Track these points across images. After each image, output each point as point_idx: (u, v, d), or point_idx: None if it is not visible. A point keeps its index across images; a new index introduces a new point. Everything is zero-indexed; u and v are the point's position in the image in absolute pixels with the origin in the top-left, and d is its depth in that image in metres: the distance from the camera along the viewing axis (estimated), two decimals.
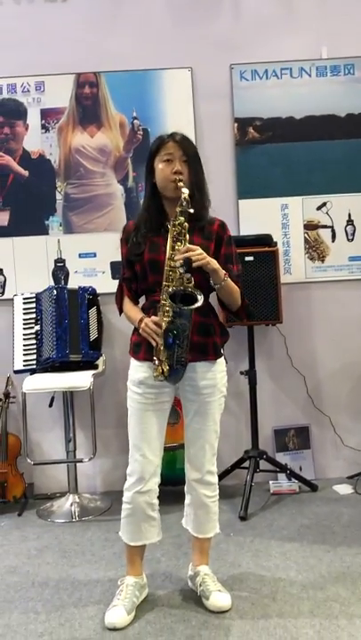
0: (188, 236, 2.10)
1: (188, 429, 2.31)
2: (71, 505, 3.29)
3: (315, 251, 3.55)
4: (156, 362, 2.10)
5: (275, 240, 3.39)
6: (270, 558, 2.62)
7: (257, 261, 3.25)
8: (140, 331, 2.15)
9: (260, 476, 3.34)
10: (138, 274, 2.25)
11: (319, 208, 3.53)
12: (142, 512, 2.25)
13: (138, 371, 2.23)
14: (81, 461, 3.36)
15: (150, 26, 3.46)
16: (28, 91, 3.49)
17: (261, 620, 2.16)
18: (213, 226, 2.25)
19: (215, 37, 3.47)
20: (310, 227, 3.54)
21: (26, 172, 3.52)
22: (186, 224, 2.09)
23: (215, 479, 2.34)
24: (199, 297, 2.05)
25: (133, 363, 2.27)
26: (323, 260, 3.55)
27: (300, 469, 3.51)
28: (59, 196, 3.53)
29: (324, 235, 3.54)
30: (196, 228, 2.19)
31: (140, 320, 2.16)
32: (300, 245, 3.54)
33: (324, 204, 3.52)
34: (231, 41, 3.47)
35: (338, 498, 3.28)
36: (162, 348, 2.08)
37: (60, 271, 3.54)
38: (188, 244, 2.09)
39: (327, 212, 3.52)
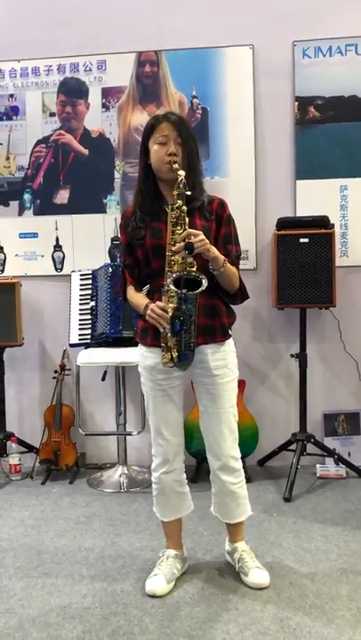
0: (187, 219, 2.04)
1: (205, 416, 2.26)
2: (120, 476, 3.40)
3: None
4: (164, 348, 2.09)
5: (332, 222, 3.33)
6: (312, 540, 2.64)
7: (312, 243, 3.21)
8: (147, 317, 2.10)
9: (307, 460, 3.34)
10: (140, 260, 2.21)
11: None
12: (171, 490, 2.32)
13: (147, 357, 2.22)
14: (130, 434, 3.46)
15: (211, 2, 3.44)
16: (91, 70, 3.54)
17: (298, 599, 2.18)
18: (213, 205, 2.20)
19: (278, 13, 3.40)
20: None
21: (86, 151, 3.59)
22: (184, 207, 2.04)
23: (239, 465, 2.28)
24: (203, 280, 2.01)
25: (142, 349, 2.25)
26: None
27: (349, 455, 3.48)
28: (117, 175, 3.58)
29: None
30: (195, 209, 2.14)
31: (146, 306, 2.12)
32: (358, 228, 3.46)
33: None
34: (294, 16, 3.40)
35: None
36: (169, 334, 2.04)
37: (116, 249, 3.61)
38: (188, 229, 2.03)
39: None
